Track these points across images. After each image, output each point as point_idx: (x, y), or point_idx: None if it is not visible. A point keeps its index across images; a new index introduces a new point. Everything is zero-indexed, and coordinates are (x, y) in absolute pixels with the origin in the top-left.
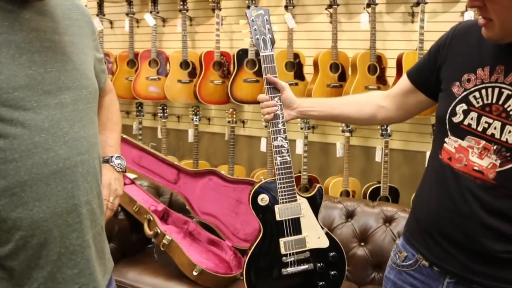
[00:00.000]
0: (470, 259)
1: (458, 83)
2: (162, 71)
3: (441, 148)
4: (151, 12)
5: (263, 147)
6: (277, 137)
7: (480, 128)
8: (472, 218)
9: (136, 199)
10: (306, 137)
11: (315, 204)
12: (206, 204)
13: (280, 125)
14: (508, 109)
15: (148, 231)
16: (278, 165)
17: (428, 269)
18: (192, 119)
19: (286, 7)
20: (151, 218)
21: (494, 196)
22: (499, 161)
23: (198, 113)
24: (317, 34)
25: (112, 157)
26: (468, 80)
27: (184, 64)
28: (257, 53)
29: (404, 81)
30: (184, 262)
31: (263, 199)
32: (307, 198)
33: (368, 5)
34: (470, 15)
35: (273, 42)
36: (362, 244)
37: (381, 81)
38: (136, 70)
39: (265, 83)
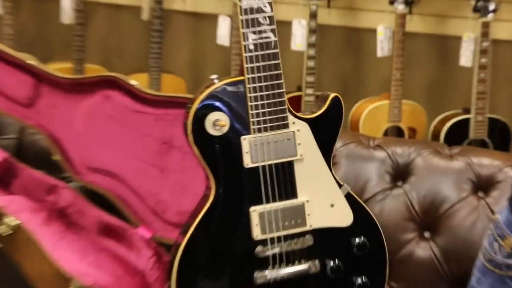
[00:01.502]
0: None
1: None
2: None
3: None
4: None
5: (222, 35)
6: None
7: None
8: None
9: None
10: (313, 16)
11: (327, 133)
12: (96, 150)
13: None
14: None
15: None
16: (249, 50)
17: None
18: None
19: None
20: None
21: None
22: None
23: None
24: None
25: None
26: None
27: None
28: None
29: None
30: (45, 273)
31: (217, 122)
32: (309, 120)
33: None
34: None
35: None
36: (427, 234)
37: None
38: None
39: None
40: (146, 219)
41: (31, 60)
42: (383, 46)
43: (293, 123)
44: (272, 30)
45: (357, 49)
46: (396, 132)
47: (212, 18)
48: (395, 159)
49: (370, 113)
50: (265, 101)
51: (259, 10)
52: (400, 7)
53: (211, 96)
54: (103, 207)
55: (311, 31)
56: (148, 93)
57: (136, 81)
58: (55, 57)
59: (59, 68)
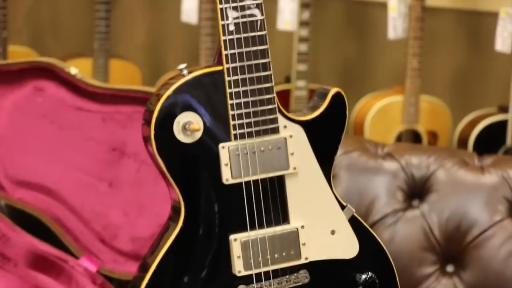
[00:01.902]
0: None
1: None
2: None
3: None
4: None
5: (187, 10)
6: None
7: None
8: None
9: None
10: None
11: (327, 140)
12: (25, 158)
13: None
14: None
15: None
16: (229, 32)
17: None
18: None
19: None
20: None
21: None
22: None
23: None
24: None
25: None
26: None
27: None
28: None
29: None
30: None
31: (189, 126)
32: (305, 123)
33: None
34: None
35: None
36: (450, 267)
37: None
38: None
39: None
40: (91, 247)
41: None
42: (396, 25)
43: (285, 127)
44: (258, 6)
45: (362, 29)
46: (411, 137)
47: None
48: (410, 172)
49: (379, 112)
50: (250, 98)
51: None
52: None
53: (180, 91)
54: (35, 232)
55: (304, 5)
56: (93, 85)
57: (76, 68)
58: None
59: None
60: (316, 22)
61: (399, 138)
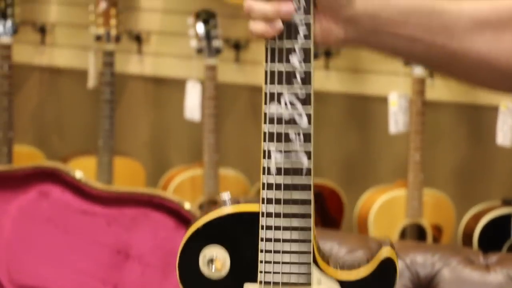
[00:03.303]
0: None
1: None
2: None
3: None
4: None
5: (191, 107)
6: (280, 94)
7: None
8: None
9: None
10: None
11: None
12: (30, 262)
13: (294, 59)
14: None
15: None
16: (269, 173)
17: None
18: None
19: None
20: None
21: None
22: None
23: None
24: None
25: None
26: None
27: None
28: None
29: None
30: None
31: (213, 263)
32: (343, 283)
33: None
34: None
35: None
36: None
37: None
38: None
39: None
40: None
41: None
42: (397, 119)
43: (319, 282)
44: (307, 153)
45: (364, 123)
46: (416, 232)
47: (178, 84)
48: (415, 270)
49: (383, 206)
50: (283, 247)
51: (291, 122)
52: (418, 70)
53: (218, 223)
54: None
55: None
56: (98, 188)
57: (81, 167)
58: None
59: None
60: (317, 116)
61: (403, 233)
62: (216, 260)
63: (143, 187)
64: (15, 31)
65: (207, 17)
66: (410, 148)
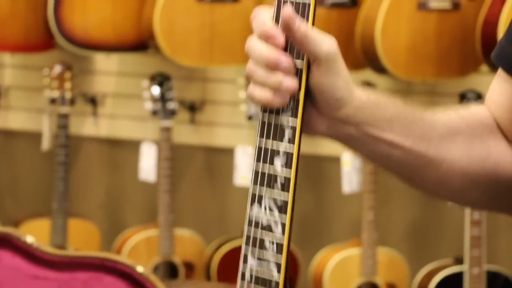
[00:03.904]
0: None
1: None
2: None
3: None
4: None
5: (146, 168)
6: (271, 159)
7: None
8: None
9: None
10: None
11: None
12: None
13: (286, 134)
14: None
15: None
16: (243, 281)
17: None
18: None
19: None
20: None
21: None
22: None
23: None
24: None
25: None
26: None
27: None
28: None
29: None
30: None
31: None
32: None
33: None
34: None
35: None
36: None
37: None
38: None
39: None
40: None
41: None
42: (351, 179)
43: None
44: (277, 265)
45: (318, 183)
46: None
47: (133, 146)
48: None
49: (337, 265)
50: None
51: (268, 229)
52: None
53: None
54: None
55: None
56: (49, 253)
57: (35, 230)
58: None
59: None
60: None
61: None
62: None
63: (98, 248)
64: None
65: (162, 79)
66: (364, 207)
